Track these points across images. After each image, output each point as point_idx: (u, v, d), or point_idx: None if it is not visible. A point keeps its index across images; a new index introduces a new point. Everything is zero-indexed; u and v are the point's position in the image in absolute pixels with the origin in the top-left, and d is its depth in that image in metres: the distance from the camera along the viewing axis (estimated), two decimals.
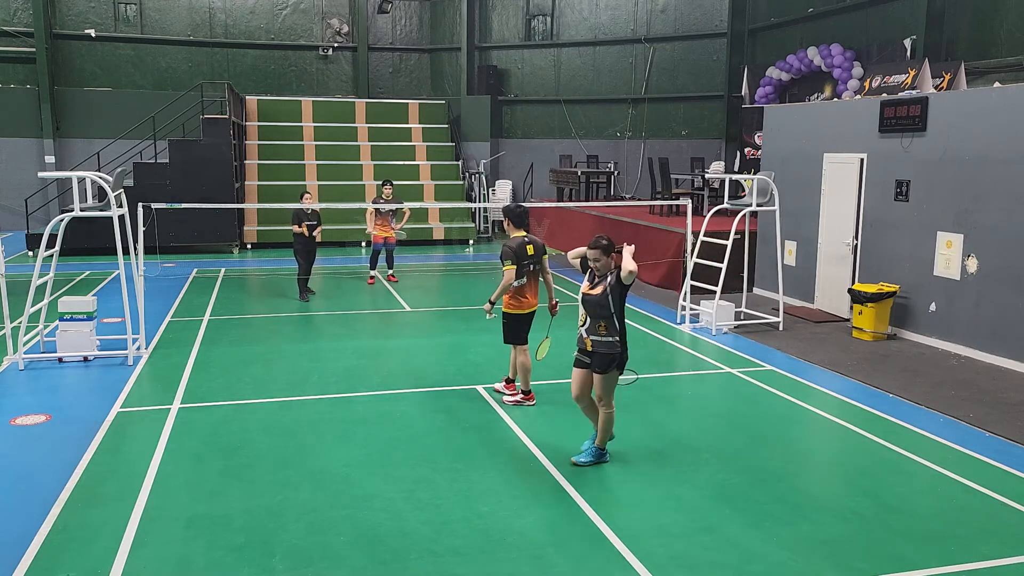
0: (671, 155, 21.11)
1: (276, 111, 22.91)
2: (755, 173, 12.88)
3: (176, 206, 12.35)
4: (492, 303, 7.53)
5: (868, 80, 17.06)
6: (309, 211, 13.07)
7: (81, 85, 22.76)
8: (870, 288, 10.74)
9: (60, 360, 9.31)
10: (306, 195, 13.25)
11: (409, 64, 26.12)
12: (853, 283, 11.50)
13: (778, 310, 11.42)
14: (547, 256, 7.87)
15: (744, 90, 21.54)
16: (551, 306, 7.92)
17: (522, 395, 7.96)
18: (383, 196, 14.60)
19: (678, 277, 13.57)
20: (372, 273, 15.01)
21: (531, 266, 7.66)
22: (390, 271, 15.10)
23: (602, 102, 25.19)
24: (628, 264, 5.95)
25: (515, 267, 7.53)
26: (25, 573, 4.78)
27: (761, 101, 20.08)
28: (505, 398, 8.02)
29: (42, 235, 9.16)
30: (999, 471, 6.40)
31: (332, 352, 9.98)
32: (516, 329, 7.80)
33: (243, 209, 19.75)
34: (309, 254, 13.32)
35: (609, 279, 6.19)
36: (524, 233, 7.76)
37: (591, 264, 6.30)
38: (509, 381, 8.16)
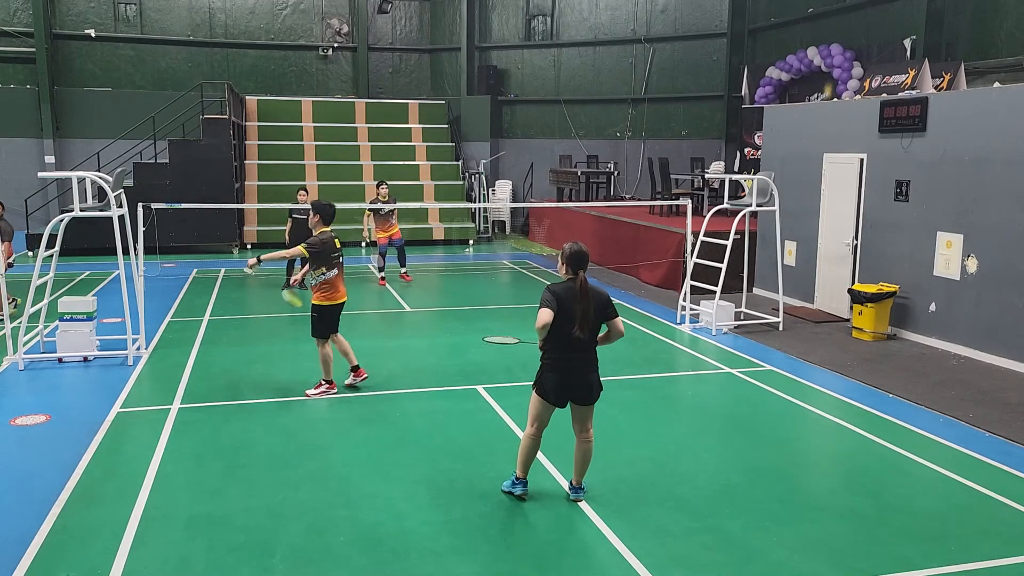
0: (671, 155, 21.12)
1: (276, 111, 22.90)
2: (755, 173, 12.88)
3: (176, 206, 12.36)
4: (259, 260, 7.95)
5: (868, 80, 17.05)
6: (302, 207, 13.58)
7: (81, 85, 22.75)
8: (870, 288, 10.73)
9: (60, 360, 9.31)
10: (300, 192, 13.99)
11: (409, 64, 26.12)
12: (853, 283, 11.50)
13: (778, 310, 11.42)
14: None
15: (744, 90, 21.53)
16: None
17: (325, 385, 8.25)
18: (379, 197, 14.62)
19: (678, 277, 13.57)
20: (381, 274, 15.01)
21: (339, 258, 8.16)
22: (403, 270, 15.14)
23: (602, 102, 25.18)
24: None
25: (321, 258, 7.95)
26: (25, 573, 4.78)
27: (761, 101, 20.07)
28: (308, 391, 8.25)
29: (42, 235, 9.16)
30: (999, 471, 6.40)
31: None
32: (327, 321, 8.13)
33: (243, 209, 19.75)
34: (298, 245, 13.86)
35: None
36: (330, 229, 8.23)
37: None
38: (356, 368, 8.48)
